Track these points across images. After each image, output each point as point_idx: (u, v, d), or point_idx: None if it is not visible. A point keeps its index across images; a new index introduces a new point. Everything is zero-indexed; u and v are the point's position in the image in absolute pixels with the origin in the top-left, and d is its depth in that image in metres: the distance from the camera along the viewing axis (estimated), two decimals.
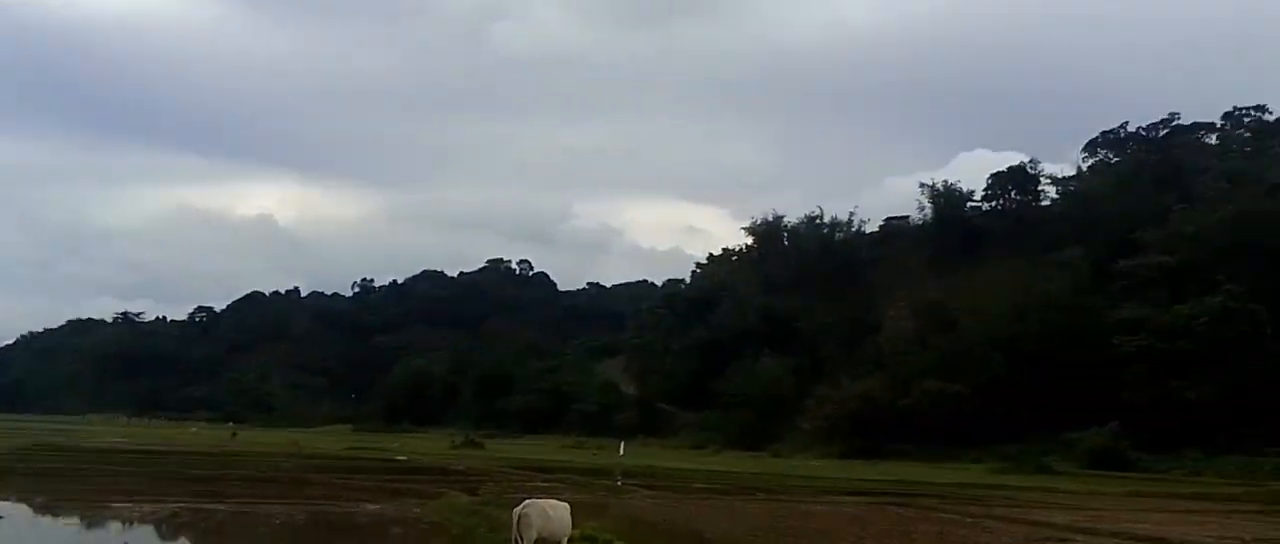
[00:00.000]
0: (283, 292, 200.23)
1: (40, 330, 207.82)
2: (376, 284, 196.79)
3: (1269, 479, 48.74)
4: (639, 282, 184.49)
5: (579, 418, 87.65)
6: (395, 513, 25.10)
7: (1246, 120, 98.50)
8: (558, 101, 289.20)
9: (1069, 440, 58.68)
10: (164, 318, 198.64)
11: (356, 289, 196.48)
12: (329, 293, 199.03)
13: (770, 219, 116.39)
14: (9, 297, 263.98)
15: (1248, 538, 23.01)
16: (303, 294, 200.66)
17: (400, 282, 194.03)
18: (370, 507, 26.40)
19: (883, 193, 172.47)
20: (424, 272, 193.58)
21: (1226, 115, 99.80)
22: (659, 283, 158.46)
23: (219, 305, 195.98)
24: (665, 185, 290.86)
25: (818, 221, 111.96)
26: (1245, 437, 55.89)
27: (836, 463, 58.31)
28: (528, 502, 15.75)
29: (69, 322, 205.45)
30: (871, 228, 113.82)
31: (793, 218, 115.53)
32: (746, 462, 58.67)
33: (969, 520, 26.76)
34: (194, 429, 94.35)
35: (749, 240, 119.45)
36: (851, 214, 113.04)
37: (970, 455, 60.17)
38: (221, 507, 24.69)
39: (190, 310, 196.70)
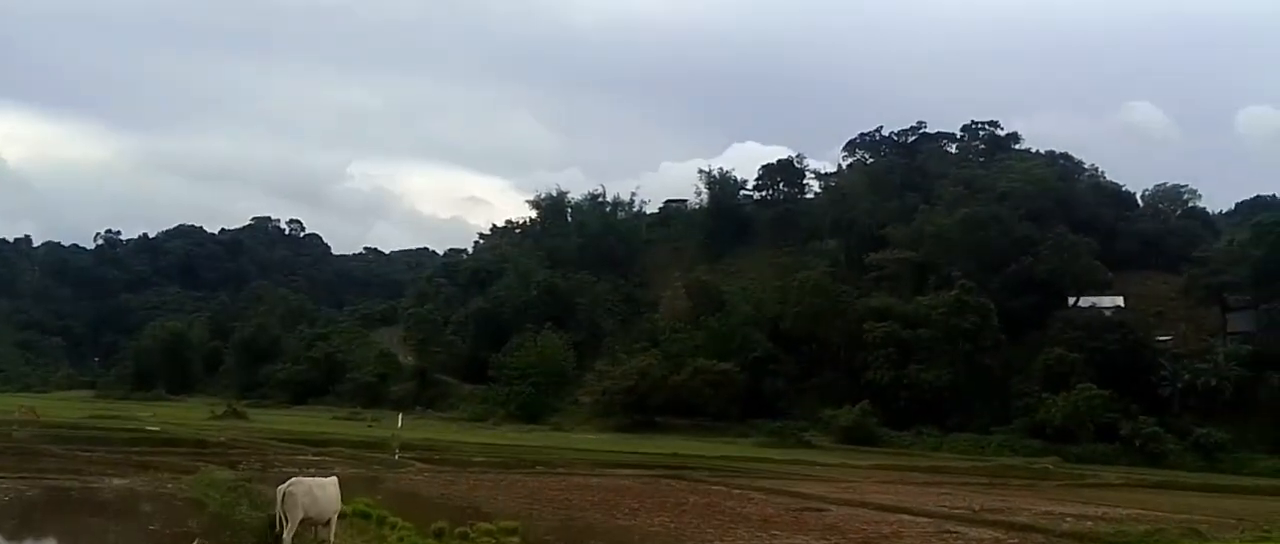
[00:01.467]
0: (10, 239, 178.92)
1: None
2: (124, 237, 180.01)
3: (995, 454, 55.03)
4: (419, 249, 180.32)
5: (353, 388, 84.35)
6: (145, 489, 23.30)
7: (981, 133, 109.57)
8: (329, 56, 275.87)
9: (825, 417, 63.29)
10: None
11: (100, 241, 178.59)
12: (67, 244, 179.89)
13: (554, 194, 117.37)
14: None
15: (976, 507, 25.80)
16: (35, 244, 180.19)
17: (152, 235, 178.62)
18: (116, 481, 24.35)
19: (660, 177, 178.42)
20: (180, 226, 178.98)
21: (965, 127, 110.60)
22: (440, 252, 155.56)
23: None
24: (445, 153, 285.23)
25: (600, 200, 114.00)
26: (975, 416, 62.74)
27: (613, 437, 59.73)
28: (293, 480, 15.02)
29: None
30: (651, 209, 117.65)
31: (576, 194, 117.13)
32: (526, 435, 58.99)
33: (736, 492, 28.35)
34: None
35: (532, 214, 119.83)
36: (633, 194, 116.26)
37: (737, 430, 63.55)
38: None
39: None
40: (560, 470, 34.04)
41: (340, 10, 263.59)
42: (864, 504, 25.80)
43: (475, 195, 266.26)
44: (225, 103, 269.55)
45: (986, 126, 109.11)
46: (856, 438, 60.18)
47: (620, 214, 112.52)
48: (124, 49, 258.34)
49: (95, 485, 23.42)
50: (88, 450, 32.00)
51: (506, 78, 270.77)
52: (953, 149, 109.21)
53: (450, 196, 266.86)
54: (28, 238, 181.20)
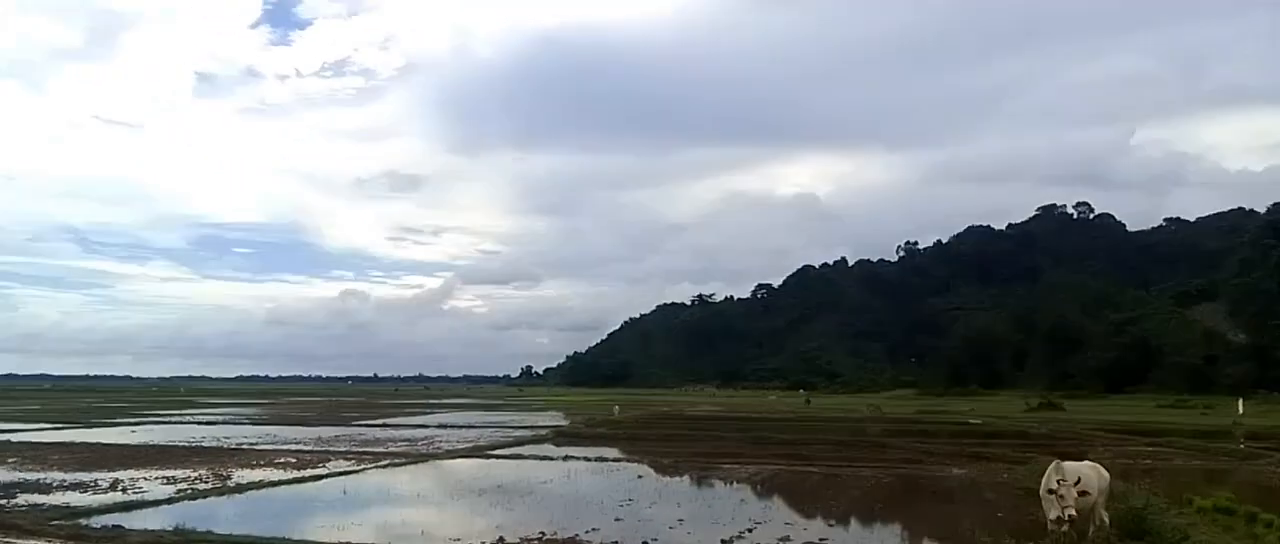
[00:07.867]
0: (830, 262, 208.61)
1: (637, 316, 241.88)
2: (920, 246, 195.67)
3: None
4: (1232, 210, 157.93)
5: (1174, 373, 77.36)
6: (984, 479, 24.21)
7: None
8: (1096, 23, 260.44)
9: None
10: (731, 297, 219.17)
11: (902, 253, 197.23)
12: (875, 259, 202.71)
13: None
14: (614, 289, 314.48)
15: None
16: (850, 263, 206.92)
17: (944, 240, 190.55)
18: (956, 471, 25.85)
19: None
20: (970, 227, 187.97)
21: None
22: (1260, 210, 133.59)
23: (776, 281, 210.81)
24: (1244, 96, 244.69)
25: None
26: None
27: None
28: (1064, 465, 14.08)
29: (658, 307, 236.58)
30: None
31: None
32: None
33: None
34: (772, 397, 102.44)
35: None
36: None
37: None
38: (813, 469, 26.08)
39: (752, 288, 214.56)
40: None
41: None
42: None
43: None
44: (993, 104, 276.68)
45: None
46: None
47: None
48: (892, 80, 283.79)
49: (938, 474, 25.20)
50: (922, 443, 34.86)
51: None
52: None
53: (1260, 144, 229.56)
54: (843, 259, 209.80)
